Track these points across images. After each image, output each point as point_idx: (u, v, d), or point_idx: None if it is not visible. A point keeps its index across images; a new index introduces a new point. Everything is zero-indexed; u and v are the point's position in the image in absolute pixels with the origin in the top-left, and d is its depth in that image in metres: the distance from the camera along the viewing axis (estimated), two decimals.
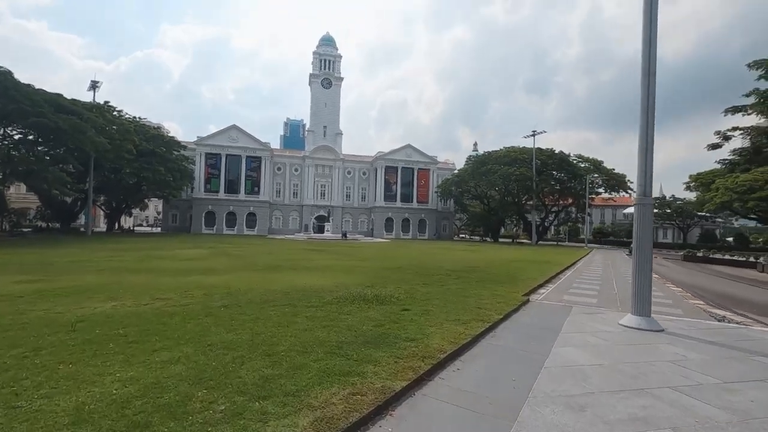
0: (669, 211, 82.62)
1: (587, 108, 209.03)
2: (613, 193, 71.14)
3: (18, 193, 65.30)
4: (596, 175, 68.35)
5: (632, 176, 67.65)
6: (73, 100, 42.11)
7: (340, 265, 16.40)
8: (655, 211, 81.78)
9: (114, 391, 3.46)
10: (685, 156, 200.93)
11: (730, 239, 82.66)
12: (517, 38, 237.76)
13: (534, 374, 4.61)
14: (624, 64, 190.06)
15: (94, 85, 52.30)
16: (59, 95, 39.77)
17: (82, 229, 52.16)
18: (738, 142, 45.43)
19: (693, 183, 51.06)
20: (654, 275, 19.15)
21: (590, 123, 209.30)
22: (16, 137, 38.62)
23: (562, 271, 17.56)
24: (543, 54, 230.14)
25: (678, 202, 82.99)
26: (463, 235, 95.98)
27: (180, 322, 5.87)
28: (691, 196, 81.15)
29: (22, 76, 36.49)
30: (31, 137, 37.20)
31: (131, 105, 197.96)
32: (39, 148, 41.73)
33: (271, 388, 3.63)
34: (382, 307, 7.24)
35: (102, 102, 50.17)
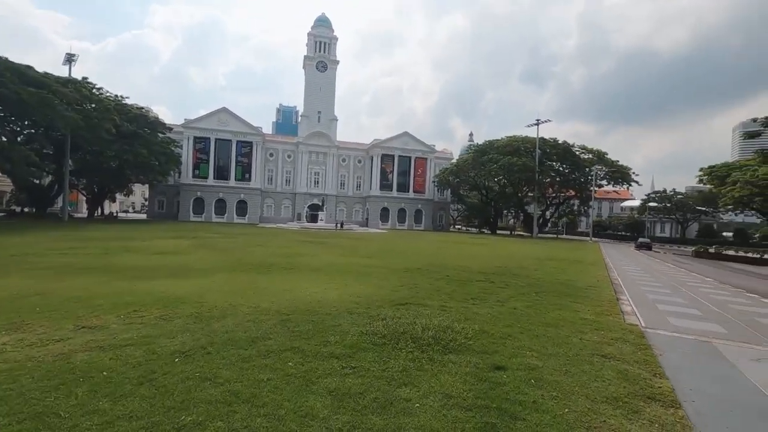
0: (669, 205, 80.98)
1: (582, 99, 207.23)
2: (616, 185, 69.20)
3: None
4: (599, 167, 65.99)
5: (632, 168, 65.61)
6: (45, 74, 38.24)
7: (348, 264, 13.57)
8: (655, 204, 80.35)
9: None
10: (674, 150, 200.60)
11: (728, 234, 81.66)
12: (514, 27, 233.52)
13: None
14: (621, 55, 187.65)
15: (70, 59, 47.91)
16: (29, 67, 35.91)
17: (59, 215, 48.40)
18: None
19: (705, 177, 48.83)
20: (707, 278, 16.42)
21: (584, 115, 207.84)
22: None
23: (607, 274, 14.98)
24: (540, 44, 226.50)
25: (679, 196, 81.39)
26: (459, 226, 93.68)
27: (77, 407, 3.00)
28: (680, 188, 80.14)
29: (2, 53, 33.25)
30: None
31: (119, 87, 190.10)
32: (8, 127, 37.99)
33: None
34: (453, 360, 4.47)
35: (80, 78, 45.97)
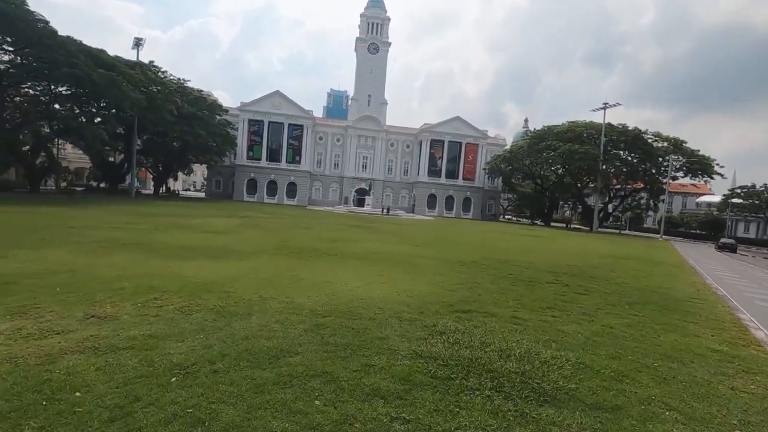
0: (758, 202, 70.98)
1: (654, 83, 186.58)
2: (695, 178, 61.59)
3: (76, 153, 66.96)
4: (675, 157, 58.70)
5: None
6: (116, 57, 40.47)
7: (395, 253, 12.47)
8: (740, 201, 70.81)
9: None
10: (762, 140, 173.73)
11: None
12: (579, 3, 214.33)
13: None
14: (701, 35, 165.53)
15: (137, 43, 50.51)
16: (101, 50, 38.09)
17: (129, 191, 52.11)
18: None
19: None
20: None
21: (656, 100, 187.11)
22: (65, 93, 37.43)
23: (703, 281, 12.58)
24: (609, 22, 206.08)
25: None
26: (509, 217, 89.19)
27: None
28: None
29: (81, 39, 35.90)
30: (69, 91, 35.88)
31: (186, 73, 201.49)
32: (85, 108, 40.80)
33: None
34: (555, 420, 3.05)
35: (147, 61, 48.32)
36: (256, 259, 9.52)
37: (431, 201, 69.36)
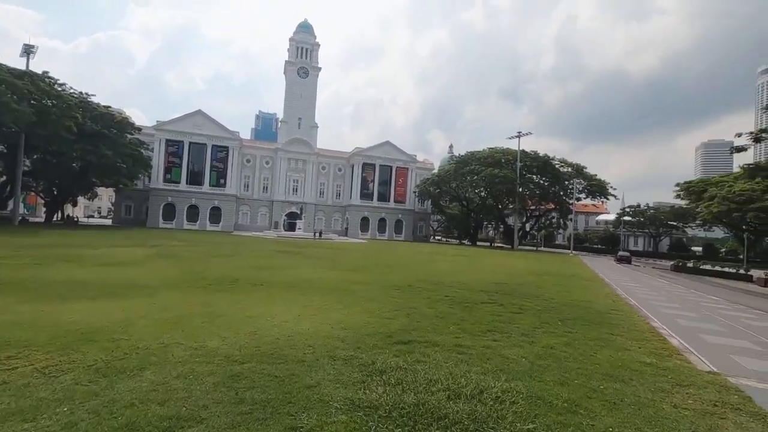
0: (643, 219, 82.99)
1: (557, 117, 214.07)
2: (594, 199, 70.06)
3: None
4: (578, 180, 66.56)
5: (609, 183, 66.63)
6: None
7: (328, 280, 11.70)
8: (629, 219, 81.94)
9: None
10: (642, 168, 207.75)
11: (697, 249, 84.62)
12: (494, 45, 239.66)
13: None
14: (593, 77, 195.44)
15: (27, 51, 44.31)
16: None
17: (11, 218, 44.23)
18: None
19: (682, 192, 49.55)
20: (712, 296, 15.20)
21: (559, 131, 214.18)
22: None
23: (615, 293, 13.70)
24: (518, 63, 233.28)
25: (651, 211, 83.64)
26: (439, 238, 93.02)
27: None
28: (649, 204, 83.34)
29: None
30: None
31: (91, 89, 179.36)
32: None
33: None
34: None
35: (40, 72, 42.41)
36: (163, 295, 8.16)
37: (364, 224, 69.51)
